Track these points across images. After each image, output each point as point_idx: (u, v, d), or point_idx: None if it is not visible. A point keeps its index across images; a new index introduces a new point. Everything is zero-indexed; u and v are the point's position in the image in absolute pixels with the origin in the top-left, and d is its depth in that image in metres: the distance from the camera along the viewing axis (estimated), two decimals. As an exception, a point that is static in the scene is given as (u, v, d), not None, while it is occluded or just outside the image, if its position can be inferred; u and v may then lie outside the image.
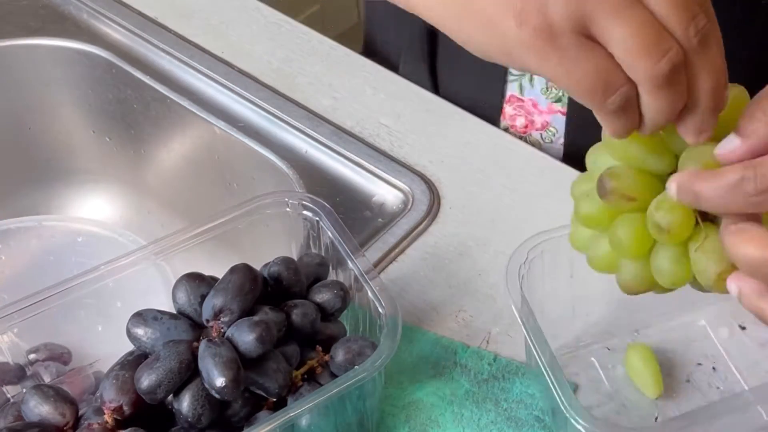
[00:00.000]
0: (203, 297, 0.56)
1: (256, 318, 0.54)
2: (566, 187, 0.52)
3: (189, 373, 0.53)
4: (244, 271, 0.56)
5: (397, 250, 0.73)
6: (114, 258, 0.61)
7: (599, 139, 0.49)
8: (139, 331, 0.54)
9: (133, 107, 0.91)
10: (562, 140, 0.82)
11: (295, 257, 0.64)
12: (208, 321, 0.55)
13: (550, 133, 0.82)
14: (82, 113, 0.95)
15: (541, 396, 0.63)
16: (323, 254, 0.63)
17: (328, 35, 0.93)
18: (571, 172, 0.76)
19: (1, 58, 0.92)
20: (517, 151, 0.80)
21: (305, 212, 0.63)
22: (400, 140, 0.81)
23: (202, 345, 0.53)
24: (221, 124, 0.85)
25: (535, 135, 0.83)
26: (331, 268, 0.63)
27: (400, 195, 0.77)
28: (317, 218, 0.63)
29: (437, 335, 0.67)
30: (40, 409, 0.54)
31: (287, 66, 0.89)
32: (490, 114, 0.83)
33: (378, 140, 0.81)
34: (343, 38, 0.93)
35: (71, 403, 0.55)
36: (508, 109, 0.83)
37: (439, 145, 0.81)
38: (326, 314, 0.60)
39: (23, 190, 0.99)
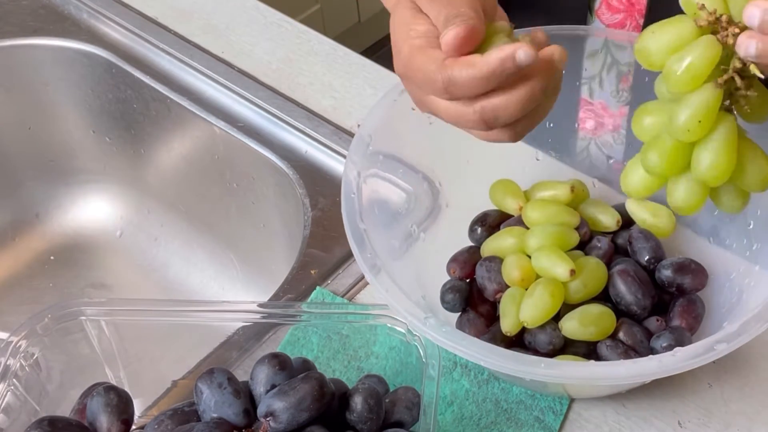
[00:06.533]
0: (273, 387, 0.54)
1: None
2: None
3: None
4: (313, 384, 0.53)
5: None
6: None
7: None
8: (203, 390, 0.54)
9: (133, 107, 0.91)
10: None
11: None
12: (263, 416, 0.53)
13: (621, 134, 0.82)
14: (82, 113, 0.95)
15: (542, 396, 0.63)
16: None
17: (328, 35, 0.93)
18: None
19: (1, 58, 0.92)
20: (520, 151, 0.79)
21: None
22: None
23: None
24: (221, 124, 0.85)
25: (606, 136, 0.82)
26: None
27: (402, 195, 0.77)
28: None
29: (437, 335, 0.67)
30: None
31: (287, 66, 0.89)
32: None
33: (378, 140, 0.81)
34: (343, 38, 0.93)
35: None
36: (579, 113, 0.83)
37: (441, 145, 0.80)
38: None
39: (23, 190, 0.99)
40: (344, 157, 0.80)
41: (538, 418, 0.62)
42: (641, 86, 0.70)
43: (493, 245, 0.67)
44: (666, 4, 0.77)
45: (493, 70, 0.49)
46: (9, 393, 0.56)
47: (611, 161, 0.73)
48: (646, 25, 0.79)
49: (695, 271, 0.64)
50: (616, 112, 0.80)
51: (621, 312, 0.63)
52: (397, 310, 0.56)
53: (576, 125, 0.79)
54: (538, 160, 0.75)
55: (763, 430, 0.62)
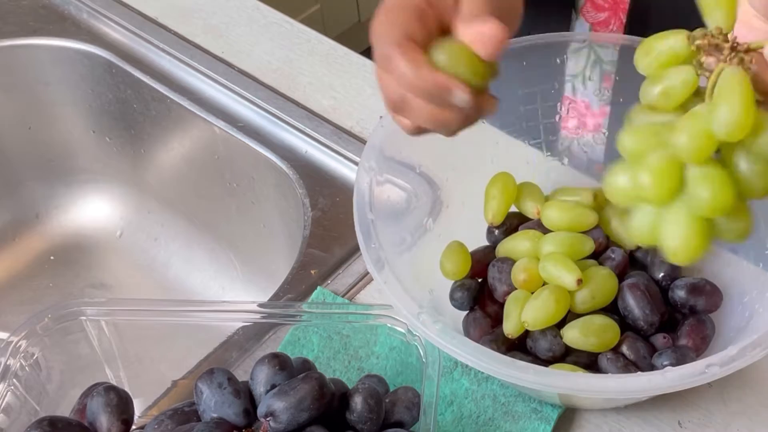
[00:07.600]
0: (273, 387, 0.54)
1: None
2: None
3: None
4: (313, 384, 0.53)
5: (397, 250, 0.72)
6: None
7: None
8: (203, 390, 0.54)
9: (133, 107, 0.91)
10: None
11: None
12: (263, 416, 0.53)
13: (602, 135, 0.81)
14: (82, 113, 0.95)
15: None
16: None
17: (328, 35, 0.93)
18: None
19: (1, 58, 0.92)
20: (518, 150, 0.79)
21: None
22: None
23: None
24: (221, 124, 0.85)
25: (587, 137, 0.82)
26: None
27: (402, 194, 0.77)
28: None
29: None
30: None
31: (287, 66, 0.89)
32: None
33: (378, 140, 0.81)
34: (343, 38, 0.93)
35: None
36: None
37: (441, 145, 0.80)
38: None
39: (23, 190, 0.99)
40: (344, 156, 0.81)
41: (535, 410, 0.62)
42: (623, 87, 0.69)
43: (507, 246, 0.66)
44: (646, 3, 0.76)
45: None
46: (9, 393, 0.56)
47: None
48: (629, 23, 0.78)
49: (709, 292, 0.63)
50: (597, 111, 0.79)
51: (628, 326, 0.62)
52: (392, 302, 0.56)
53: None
54: (563, 164, 0.74)
55: (763, 430, 0.62)
